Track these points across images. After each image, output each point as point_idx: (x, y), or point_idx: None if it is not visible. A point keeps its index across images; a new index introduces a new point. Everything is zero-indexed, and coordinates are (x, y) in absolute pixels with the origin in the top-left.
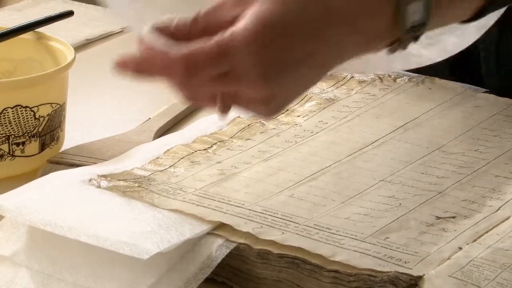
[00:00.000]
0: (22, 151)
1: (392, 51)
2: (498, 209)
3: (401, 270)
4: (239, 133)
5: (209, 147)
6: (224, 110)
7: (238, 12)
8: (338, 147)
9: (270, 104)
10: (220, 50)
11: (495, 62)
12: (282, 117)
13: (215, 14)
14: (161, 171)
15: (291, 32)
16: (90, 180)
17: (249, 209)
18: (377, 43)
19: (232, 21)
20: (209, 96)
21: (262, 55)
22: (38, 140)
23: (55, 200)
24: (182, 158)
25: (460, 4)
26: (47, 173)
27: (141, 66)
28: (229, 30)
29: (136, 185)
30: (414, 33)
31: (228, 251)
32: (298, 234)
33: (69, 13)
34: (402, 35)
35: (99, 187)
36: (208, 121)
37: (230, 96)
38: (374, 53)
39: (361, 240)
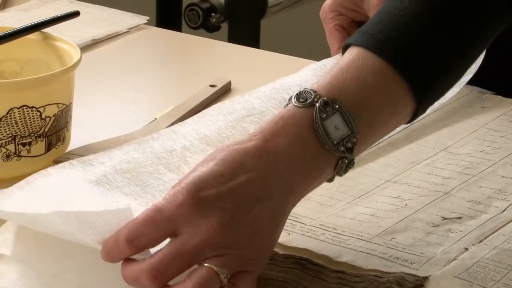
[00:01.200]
0: (28, 151)
1: (341, 172)
2: (504, 210)
3: (407, 271)
4: None
5: None
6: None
7: None
8: None
9: (235, 251)
10: (156, 210)
11: None
12: None
13: None
14: None
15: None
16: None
17: None
18: (321, 172)
19: None
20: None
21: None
22: (44, 140)
23: (59, 201)
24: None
25: (388, 111)
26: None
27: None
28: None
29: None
30: (345, 146)
31: None
32: (304, 234)
33: (75, 14)
34: (337, 153)
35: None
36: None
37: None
38: (323, 182)
39: (367, 241)
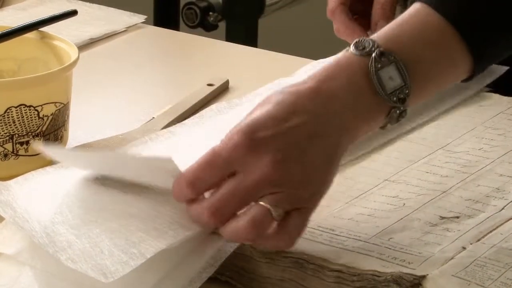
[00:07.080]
0: (26, 150)
1: (393, 121)
2: (502, 208)
3: (404, 270)
4: None
5: None
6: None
7: None
8: None
9: (288, 189)
10: (213, 153)
11: None
12: None
13: None
14: None
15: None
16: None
17: None
18: (373, 117)
19: None
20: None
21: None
22: (42, 139)
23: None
24: None
25: (444, 66)
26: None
27: None
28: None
29: None
30: (397, 97)
31: (232, 250)
32: (302, 236)
33: (73, 13)
34: (390, 103)
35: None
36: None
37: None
38: (375, 128)
39: (364, 241)
